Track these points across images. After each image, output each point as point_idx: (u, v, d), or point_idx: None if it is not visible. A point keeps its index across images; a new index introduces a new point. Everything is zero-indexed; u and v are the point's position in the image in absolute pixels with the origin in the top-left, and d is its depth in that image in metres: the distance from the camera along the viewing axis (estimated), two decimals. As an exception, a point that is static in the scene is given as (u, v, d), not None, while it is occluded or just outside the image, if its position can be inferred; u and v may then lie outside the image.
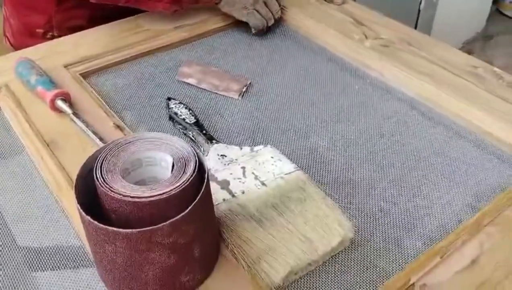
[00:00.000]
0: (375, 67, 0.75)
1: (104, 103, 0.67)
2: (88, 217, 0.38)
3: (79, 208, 0.39)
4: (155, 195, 0.39)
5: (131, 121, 0.66)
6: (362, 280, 0.46)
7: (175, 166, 0.42)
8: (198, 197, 0.40)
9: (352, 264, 0.48)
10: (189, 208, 0.39)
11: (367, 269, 0.47)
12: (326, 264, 0.48)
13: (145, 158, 0.44)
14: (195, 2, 0.84)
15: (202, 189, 0.41)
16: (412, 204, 0.54)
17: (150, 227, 0.37)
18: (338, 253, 0.49)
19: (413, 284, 0.45)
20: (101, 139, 0.58)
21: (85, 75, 0.74)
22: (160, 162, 0.44)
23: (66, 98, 0.64)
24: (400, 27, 0.85)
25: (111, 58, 0.77)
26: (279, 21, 0.88)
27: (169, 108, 0.66)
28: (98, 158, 0.42)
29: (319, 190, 0.53)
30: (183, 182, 0.40)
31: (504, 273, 0.46)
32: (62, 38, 0.82)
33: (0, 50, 0.96)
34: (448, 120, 0.66)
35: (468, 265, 0.47)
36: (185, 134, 0.63)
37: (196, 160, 0.42)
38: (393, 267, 0.47)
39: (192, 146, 0.44)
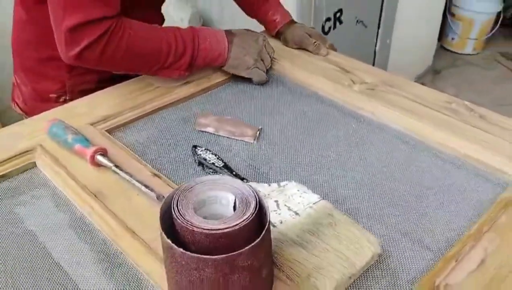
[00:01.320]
0: (367, 108, 0.86)
1: (137, 155, 0.74)
2: (180, 249, 0.45)
3: (170, 242, 0.46)
4: (229, 227, 0.47)
5: (166, 170, 0.73)
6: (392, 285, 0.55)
7: (237, 203, 0.50)
8: (266, 226, 0.48)
9: (379, 274, 0.57)
10: (262, 234, 0.47)
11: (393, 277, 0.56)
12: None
13: (208, 198, 0.52)
14: (204, 67, 0.93)
15: (268, 219, 0.49)
16: (421, 222, 0.64)
17: (236, 252, 0.45)
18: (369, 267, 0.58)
19: (438, 285, 0.54)
20: (146, 186, 0.65)
21: (109, 132, 0.81)
22: (221, 200, 0.52)
23: (104, 153, 0.71)
24: (379, 71, 0.98)
25: (129, 116, 0.85)
26: (273, 72, 0.99)
27: (197, 155, 0.74)
28: (172, 200, 0.50)
29: (344, 215, 0.62)
30: (250, 214, 0.48)
31: (507, 270, 0.56)
32: (77, 101, 0.89)
33: (8, 117, 1.01)
34: (434, 149, 0.78)
35: (478, 266, 0.57)
36: (210, 168, 0.71)
37: (256, 197, 0.50)
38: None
39: (249, 185, 0.52)
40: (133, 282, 0.57)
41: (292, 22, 1.08)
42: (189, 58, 0.87)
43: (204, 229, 0.47)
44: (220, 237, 0.47)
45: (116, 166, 0.69)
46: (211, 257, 0.45)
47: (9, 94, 1.04)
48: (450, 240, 0.61)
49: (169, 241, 0.46)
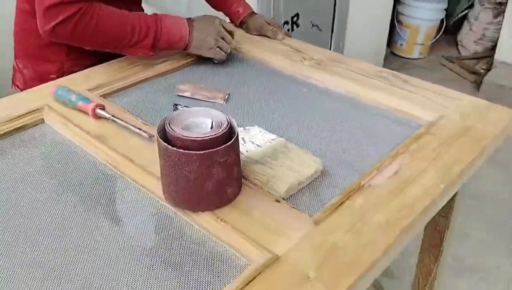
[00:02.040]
0: (314, 77, 1.06)
1: (128, 111, 0.91)
2: (175, 148, 0.63)
3: (165, 144, 0.63)
4: (208, 136, 0.64)
5: (153, 121, 0.90)
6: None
7: (214, 124, 0.68)
8: (236, 135, 0.66)
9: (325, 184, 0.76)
10: (232, 140, 0.65)
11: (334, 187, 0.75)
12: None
13: (192, 122, 0.69)
14: (168, 48, 1.08)
15: (237, 131, 0.67)
16: (355, 154, 0.84)
17: (214, 149, 0.63)
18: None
19: (363, 185, 0.73)
20: (139, 129, 0.82)
21: (103, 97, 0.97)
22: (201, 125, 0.70)
23: (103, 108, 0.88)
24: (326, 51, 1.19)
25: (119, 84, 1.01)
26: (237, 53, 1.17)
27: (177, 109, 0.91)
28: (165, 122, 0.67)
29: (295, 146, 0.81)
30: (224, 128, 0.66)
31: (415, 175, 0.76)
32: (74, 74, 1.05)
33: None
34: (368, 106, 0.98)
35: (394, 173, 0.76)
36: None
37: (228, 120, 0.68)
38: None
39: (223, 113, 0.70)
40: (133, 192, 0.73)
41: (253, 13, 1.28)
42: (152, 40, 1.02)
43: (190, 137, 0.64)
44: (201, 143, 0.64)
45: (114, 116, 0.86)
46: (198, 152, 0.63)
47: (9, 81, 1.18)
48: (375, 164, 0.81)
49: (165, 144, 0.64)
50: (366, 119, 0.93)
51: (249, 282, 0.57)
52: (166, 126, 0.66)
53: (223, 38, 1.09)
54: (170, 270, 0.62)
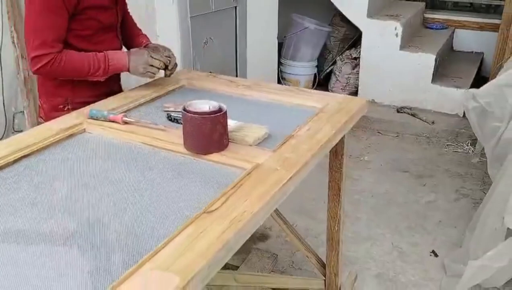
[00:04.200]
0: (249, 94, 1.67)
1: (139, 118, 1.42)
2: (197, 115, 1.17)
3: (192, 114, 1.17)
4: (213, 110, 1.20)
5: (156, 122, 1.42)
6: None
7: (211, 108, 1.24)
8: (225, 110, 1.22)
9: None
10: (224, 110, 1.21)
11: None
12: (264, 139, 1.33)
13: (200, 105, 1.24)
14: (115, 73, 1.63)
15: (225, 108, 1.23)
16: (284, 124, 1.44)
17: (220, 113, 1.18)
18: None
19: (293, 135, 1.33)
20: (155, 124, 1.34)
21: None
22: (203, 108, 1.25)
23: (126, 116, 1.38)
24: (252, 80, 1.81)
25: (126, 107, 1.52)
26: (193, 86, 1.74)
27: (170, 115, 1.45)
28: (184, 107, 1.21)
29: (254, 124, 1.38)
30: (219, 109, 1.22)
31: (318, 129, 1.37)
32: (96, 103, 1.53)
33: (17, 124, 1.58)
34: (287, 105, 1.60)
35: (307, 129, 1.37)
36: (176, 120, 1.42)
37: (220, 106, 1.24)
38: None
39: (216, 102, 1.26)
40: (164, 154, 1.25)
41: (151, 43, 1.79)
42: (102, 71, 1.56)
43: (202, 111, 1.20)
44: (209, 114, 1.20)
45: (137, 120, 1.37)
46: (209, 116, 1.18)
47: (15, 104, 1.63)
48: (298, 127, 1.41)
49: (192, 114, 1.18)
50: (286, 110, 1.55)
51: (248, 174, 1.12)
52: (186, 108, 1.21)
53: (152, 65, 1.62)
54: (201, 178, 1.14)
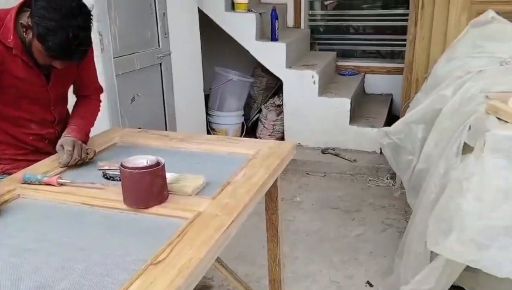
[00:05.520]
0: (183, 146, 1.72)
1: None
2: (136, 171, 1.21)
3: (131, 170, 1.21)
4: (149, 167, 1.25)
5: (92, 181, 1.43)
6: (215, 187, 1.39)
7: (149, 162, 1.28)
8: (163, 163, 1.27)
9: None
10: (163, 163, 1.26)
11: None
12: (202, 188, 1.39)
13: (138, 161, 1.28)
14: None
15: (163, 162, 1.28)
16: (220, 172, 1.51)
17: (158, 166, 1.23)
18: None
19: (229, 182, 1.40)
20: (92, 183, 1.35)
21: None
22: (142, 162, 1.29)
23: (60, 178, 1.38)
24: (184, 132, 1.87)
25: (57, 171, 1.51)
26: (128, 143, 1.77)
27: (105, 173, 1.47)
28: (123, 163, 1.25)
29: (189, 174, 1.44)
30: (156, 163, 1.27)
31: (253, 173, 1.46)
32: (27, 167, 1.52)
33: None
34: (222, 154, 1.67)
35: (243, 175, 1.45)
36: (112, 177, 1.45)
37: (157, 159, 1.29)
38: (222, 183, 1.42)
39: (153, 156, 1.30)
40: (103, 211, 1.26)
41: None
42: None
43: (139, 168, 1.24)
44: (146, 169, 1.24)
45: (72, 181, 1.37)
46: (148, 170, 1.22)
47: None
48: (233, 174, 1.48)
49: (131, 170, 1.21)
50: (220, 159, 1.63)
51: (191, 222, 1.17)
52: (124, 165, 1.24)
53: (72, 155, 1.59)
54: (144, 231, 1.17)
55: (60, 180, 1.38)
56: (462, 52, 2.32)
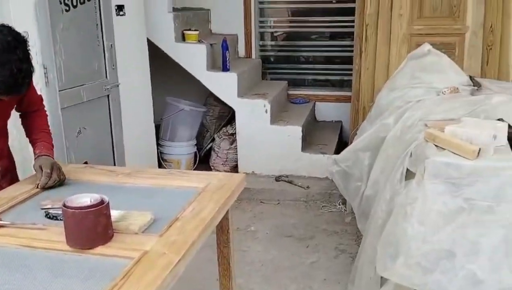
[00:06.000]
0: (130, 181, 1.69)
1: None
2: (79, 210, 1.17)
3: (74, 210, 1.17)
4: (93, 206, 1.22)
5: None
6: (162, 223, 1.37)
7: (93, 201, 1.25)
8: (108, 201, 1.24)
9: (157, 222, 1.38)
10: (107, 201, 1.23)
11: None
12: (149, 225, 1.36)
13: (81, 200, 1.24)
14: None
15: (107, 200, 1.25)
16: (172, 208, 1.49)
17: (101, 206, 1.20)
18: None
19: (178, 217, 1.38)
20: (33, 224, 1.30)
21: None
22: (86, 201, 1.25)
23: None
24: (131, 167, 1.84)
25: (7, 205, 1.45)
26: (73, 179, 1.72)
27: (48, 212, 1.42)
28: (64, 203, 1.21)
29: (135, 211, 1.41)
30: (100, 201, 1.24)
31: (202, 208, 1.45)
32: None
33: None
34: (171, 188, 1.65)
35: (192, 210, 1.44)
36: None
37: (101, 198, 1.26)
38: (170, 219, 1.40)
39: (97, 195, 1.27)
40: (47, 253, 1.21)
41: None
42: None
43: (82, 208, 1.21)
44: (89, 208, 1.21)
45: (12, 222, 1.31)
46: (91, 209, 1.19)
47: None
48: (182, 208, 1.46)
49: (74, 210, 1.18)
50: (169, 193, 1.61)
51: (137, 262, 1.14)
52: (66, 204, 1.21)
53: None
54: (88, 273, 1.13)
55: (0, 222, 1.32)
56: (402, 83, 2.44)
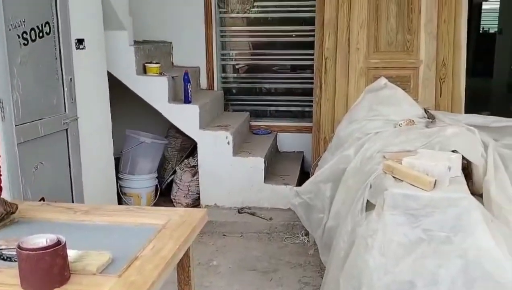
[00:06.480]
0: (87, 219, 1.64)
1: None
2: (34, 252, 1.12)
3: (28, 252, 1.12)
4: (50, 246, 1.17)
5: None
6: None
7: (49, 241, 1.20)
8: (65, 241, 1.20)
9: (116, 262, 1.34)
10: (64, 242, 1.19)
11: None
12: (108, 265, 1.32)
13: (37, 241, 1.19)
14: None
15: (64, 241, 1.21)
16: (126, 246, 1.45)
17: (58, 247, 1.15)
18: None
19: (137, 257, 1.35)
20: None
21: None
22: (42, 241, 1.20)
23: None
24: (88, 205, 1.79)
25: None
26: (28, 218, 1.65)
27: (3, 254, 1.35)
28: (18, 246, 1.16)
29: (93, 251, 1.37)
30: (57, 242, 1.19)
31: (163, 246, 1.42)
32: None
33: None
34: (130, 226, 1.61)
35: (152, 248, 1.40)
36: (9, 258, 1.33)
37: (58, 238, 1.21)
38: (130, 258, 1.36)
39: (54, 235, 1.22)
40: None
41: None
42: None
43: (37, 249, 1.16)
44: (44, 249, 1.16)
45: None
46: (47, 250, 1.14)
47: None
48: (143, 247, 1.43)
49: (28, 252, 1.13)
50: (128, 231, 1.57)
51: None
52: (20, 246, 1.16)
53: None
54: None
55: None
56: (361, 115, 2.51)
